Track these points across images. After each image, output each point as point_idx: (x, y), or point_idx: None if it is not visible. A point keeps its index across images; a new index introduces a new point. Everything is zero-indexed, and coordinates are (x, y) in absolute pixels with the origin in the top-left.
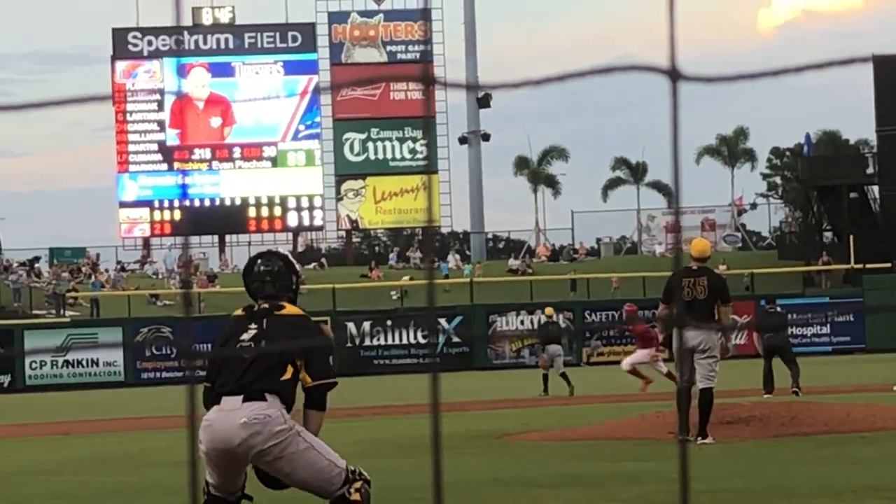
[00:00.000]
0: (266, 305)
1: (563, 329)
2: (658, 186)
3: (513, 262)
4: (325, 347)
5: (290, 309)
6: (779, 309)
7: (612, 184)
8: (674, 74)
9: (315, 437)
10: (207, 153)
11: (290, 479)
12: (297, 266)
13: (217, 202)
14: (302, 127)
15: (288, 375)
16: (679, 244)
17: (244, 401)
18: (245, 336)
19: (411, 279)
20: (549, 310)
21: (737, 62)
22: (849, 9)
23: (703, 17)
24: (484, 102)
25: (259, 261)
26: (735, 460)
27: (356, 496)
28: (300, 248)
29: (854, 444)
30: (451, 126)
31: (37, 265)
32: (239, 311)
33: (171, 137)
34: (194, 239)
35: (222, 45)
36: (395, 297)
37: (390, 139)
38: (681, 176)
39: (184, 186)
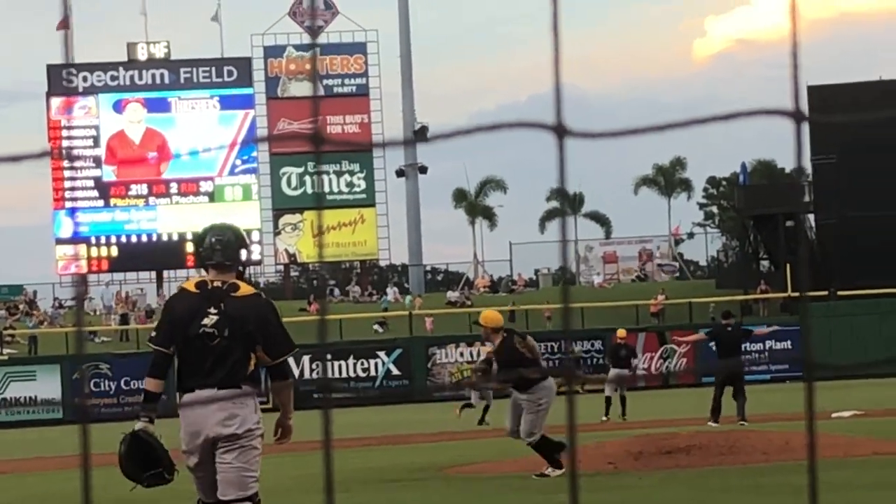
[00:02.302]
0: (219, 284)
1: (632, 353)
2: (595, 217)
3: (451, 294)
4: (278, 324)
5: (244, 289)
6: (733, 323)
7: (550, 215)
8: (560, 130)
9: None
10: (144, 189)
11: (222, 472)
12: (247, 240)
13: (154, 238)
14: (239, 162)
15: (252, 366)
16: (617, 275)
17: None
18: (207, 321)
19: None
20: (621, 332)
21: (673, 91)
22: (782, 38)
23: (639, 48)
24: (421, 135)
25: (210, 231)
26: (675, 490)
27: None
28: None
29: (793, 472)
30: (389, 159)
31: None
32: (190, 286)
33: (108, 173)
34: (131, 275)
35: (158, 81)
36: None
37: (327, 173)
38: (567, 230)
39: (117, 223)
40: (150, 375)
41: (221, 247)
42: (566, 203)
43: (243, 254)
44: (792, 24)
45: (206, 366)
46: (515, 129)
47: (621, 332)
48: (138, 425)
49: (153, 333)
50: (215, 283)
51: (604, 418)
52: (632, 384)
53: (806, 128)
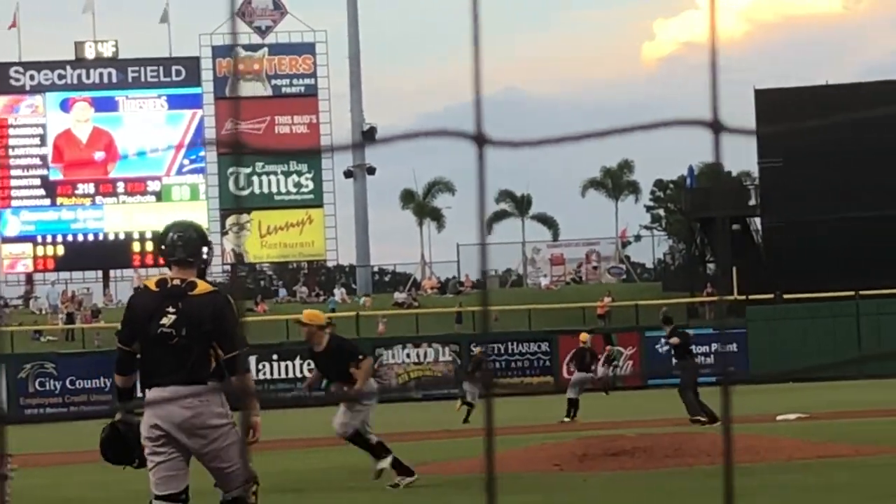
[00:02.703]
0: (178, 282)
1: (595, 357)
2: (543, 219)
3: (399, 296)
4: (233, 321)
5: (201, 287)
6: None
7: (498, 217)
8: (479, 140)
9: (238, 436)
10: (91, 188)
11: (210, 468)
12: (209, 238)
13: (101, 237)
14: (186, 161)
15: (214, 363)
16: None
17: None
18: (165, 321)
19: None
20: (583, 336)
21: (620, 95)
22: (729, 41)
23: (588, 50)
24: (369, 136)
25: (172, 228)
26: (620, 492)
27: (253, 499)
28: None
29: (738, 475)
30: (337, 160)
31: None
32: (151, 284)
33: (55, 172)
34: (77, 274)
35: (105, 80)
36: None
37: (275, 173)
38: (485, 236)
39: (63, 222)
40: (117, 372)
41: (182, 243)
42: (482, 211)
43: (204, 251)
44: (711, 35)
45: (167, 364)
46: (439, 138)
47: (584, 337)
48: (118, 416)
49: (118, 330)
50: (174, 282)
51: (566, 419)
52: (595, 387)
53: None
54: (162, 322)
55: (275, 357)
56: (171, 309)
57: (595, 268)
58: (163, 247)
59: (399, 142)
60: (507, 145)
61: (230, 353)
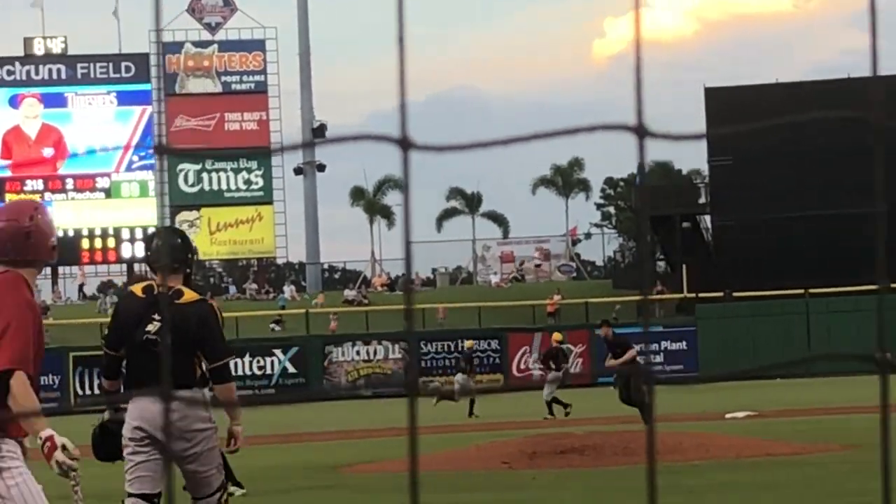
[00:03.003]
0: (165, 289)
1: (567, 356)
2: (493, 216)
3: (349, 293)
4: (217, 329)
5: (188, 295)
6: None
7: (447, 214)
8: (404, 144)
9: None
10: (40, 184)
11: (187, 470)
12: (193, 245)
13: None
14: (136, 158)
15: (200, 370)
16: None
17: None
18: (151, 328)
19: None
20: (557, 335)
21: (571, 92)
22: (680, 39)
23: (538, 47)
24: (319, 133)
25: (157, 234)
26: (568, 490)
27: None
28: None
29: (686, 473)
30: (287, 157)
31: None
32: (138, 290)
33: (2, 168)
34: None
35: (55, 76)
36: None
37: (225, 170)
38: (411, 248)
39: None
40: (104, 377)
41: (167, 250)
42: (407, 218)
43: (189, 257)
44: (636, 37)
45: (152, 370)
46: (370, 141)
47: (557, 336)
48: (106, 415)
49: (104, 335)
50: (161, 289)
51: (548, 416)
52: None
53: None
54: (148, 329)
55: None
56: (156, 316)
57: (538, 265)
58: (148, 254)
59: (328, 144)
60: (432, 149)
61: (215, 363)
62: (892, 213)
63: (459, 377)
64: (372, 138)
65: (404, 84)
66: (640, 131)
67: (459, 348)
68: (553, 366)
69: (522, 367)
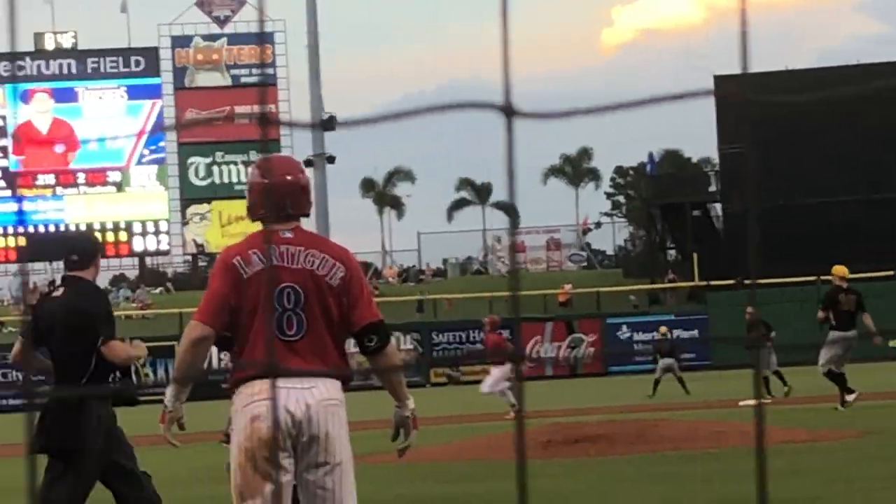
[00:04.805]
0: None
1: (674, 344)
2: (503, 207)
3: None
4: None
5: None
6: None
7: (457, 204)
8: (508, 111)
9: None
10: (51, 179)
11: None
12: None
13: (62, 228)
14: (146, 151)
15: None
16: (520, 264)
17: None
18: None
19: None
20: (662, 328)
21: (578, 82)
22: (689, 27)
23: (546, 37)
24: (329, 125)
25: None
26: (582, 479)
27: None
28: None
29: (702, 460)
30: (296, 149)
31: None
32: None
33: (14, 163)
34: (39, 265)
35: (65, 71)
36: None
37: (235, 163)
38: (517, 199)
39: (21, 213)
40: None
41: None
42: (511, 183)
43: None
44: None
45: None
46: (441, 113)
47: (663, 329)
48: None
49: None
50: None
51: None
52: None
53: (712, 116)
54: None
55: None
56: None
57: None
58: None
59: (417, 117)
60: (536, 116)
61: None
62: None
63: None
64: (477, 106)
65: (507, 51)
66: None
67: (471, 339)
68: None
69: (534, 356)
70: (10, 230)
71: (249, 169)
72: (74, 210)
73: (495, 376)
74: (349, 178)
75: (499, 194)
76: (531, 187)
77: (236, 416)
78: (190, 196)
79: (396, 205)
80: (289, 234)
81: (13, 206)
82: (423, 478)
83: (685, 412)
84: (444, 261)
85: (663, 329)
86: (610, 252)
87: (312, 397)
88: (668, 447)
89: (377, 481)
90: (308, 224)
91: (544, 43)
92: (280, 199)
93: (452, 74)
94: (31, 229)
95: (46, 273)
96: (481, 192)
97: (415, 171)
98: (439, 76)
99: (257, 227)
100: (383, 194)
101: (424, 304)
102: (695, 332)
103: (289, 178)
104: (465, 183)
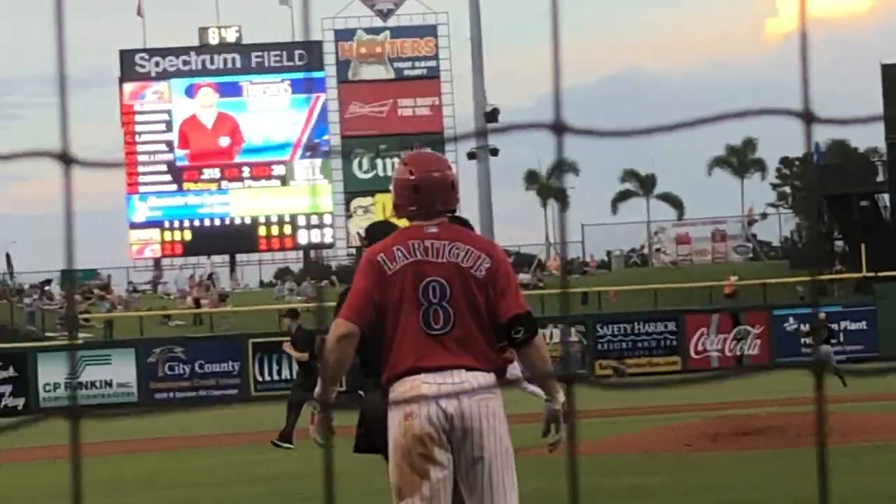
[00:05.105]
0: None
1: (833, 333)
2: (668, 198)
3: (524, 277)
4: None
5: None
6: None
7: (622, 196)
8: (807, 117)
9: None
10: (217, 173)
11: None
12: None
13: (227, 221)
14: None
15: None
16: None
17: None
18: None
19: None
20: (822, 315)
21: (743, 72)
22: (855, 15)
23: (710, 28)
24: (492, 117)
25: None
26: (751, 471)
27: None
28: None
29: (869, 453)
30: (460, 142)
31: (48, 288)
32: None
33: (180, 158)
34: (204, 259)
35: (229, 65)
36: None
37: (398, 155)
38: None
39: (190, 207)
40: None
41: None
42: (563, 201)
43: None
44: (800, 21)
45: None
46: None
47: (822, 316)
48: None
49: None
50: None
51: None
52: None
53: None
54: None
55: None
56: None
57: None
58: None
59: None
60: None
61: None
62: None
63: None
64: (531, 126)
65: (558, 72)
66: (807, 117)
67: (636, 331)
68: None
69: (700, 348)
70: (177, 224)
71: (396, 165)
72: (240, 204)
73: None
74: (513, 171)
75: (663, 185)
76: (696, 178)
77: (389, 413)
78: (353, 189)
79: (560, 197)
80: (434, 230)
81: (179, 201)
82: (595, 471)
83: (852, 405)
84: (608, 252)
85: (822, 316)
86: (776, 243)
87: (463, 391)
88: (836, 440)
89: (548, 474)
90: (471, 216)
91: (707, 32)
92: (428, 195)
93: (613, 67)
94: (196, 223)
95: (206, 268)
96: (645, 183)
97: (578, 163)
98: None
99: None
100: (547, 186)
101: (590, 295)
102: (863, 324)
103: (436, 174)
104: (629, 174)
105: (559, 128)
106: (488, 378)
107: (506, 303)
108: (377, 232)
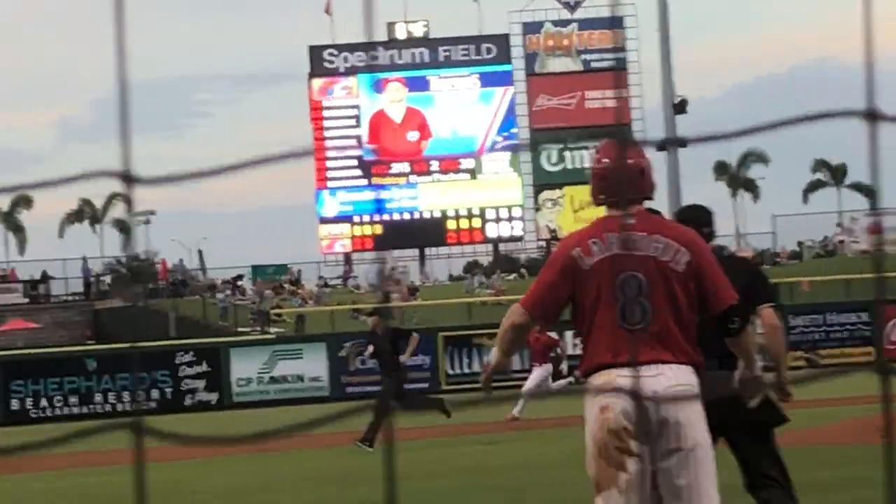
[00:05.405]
0: None
1: None
2: (859, 188)
3: None
4: None
5: None
6: None
7: (813, 186)
8: (870, 116)
9: None
10: (405, 167)
11: None
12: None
13: (416, 215)
14: (499, 138)
15: None
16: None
17: None
18: None
19: None
20: None
21: None
22: None
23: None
24: (680, 108)
25: None
26: None
27: None
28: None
29: None
30: (648, 133)
31: (240, 283)
32: None
33: (369, 152)
34: (394, 253)
35: (417, 59)
36: None
37: (586, 147)
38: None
39: (379, 201)
40: None
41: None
42: (877, 195)
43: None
44: (865, 18)
45: None
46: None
47: None
48: None
49: None
50: None
51: None
52: None
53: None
54: None
55: None
56: None
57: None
58: None
59: (789, 127)
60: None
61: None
62: None
63: None
64: (839, 115)
65: (871, 52)
66: (871, 116)
67: (828, 322)
68: None
69: (894, 338)
70: (367, 219)
71: (592, 154)
72: (429, 198)
73: (541, 375)
74: (702, 162)
75: (855, 175)
76: (888, 166)
77: (587, 406)
78: (542, 182)
79: (750, 187)
80: (631, 221)
81: (369, 195)
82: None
83: None
84: (800, 243)
85: None
86: None
87: (659, 384)
88: None
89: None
90: (660, 209)
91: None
92: (616, 183)
93: (802, 56)
94: (386, 217)
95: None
96: (837, 173)
97: (768, 153)
98: (792, 58)
99: (607, 211)
100: (737, 177)
101: (781, 286)
102: None
103: (623, 161)
104: (820, 164)
105: (872, 115)
106: (685, 371)
107: (719, 294)
108: (684, 217)
